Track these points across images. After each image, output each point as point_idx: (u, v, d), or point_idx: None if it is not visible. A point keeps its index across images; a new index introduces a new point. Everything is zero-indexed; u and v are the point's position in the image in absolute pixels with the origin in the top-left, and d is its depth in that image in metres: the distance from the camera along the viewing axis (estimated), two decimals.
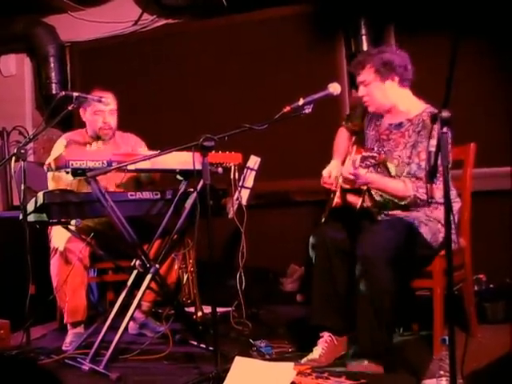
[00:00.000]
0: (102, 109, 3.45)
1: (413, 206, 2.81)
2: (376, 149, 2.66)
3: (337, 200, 2.95)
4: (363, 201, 2.87)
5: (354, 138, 3.12)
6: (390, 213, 2.88)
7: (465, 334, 2.85)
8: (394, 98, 2.88)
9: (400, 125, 2.88)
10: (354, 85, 4.48)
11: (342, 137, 3.20)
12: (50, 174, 3.35)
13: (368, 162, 2.60)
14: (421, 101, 2.91)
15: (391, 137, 2.90)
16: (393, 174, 2.85)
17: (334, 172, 3.01)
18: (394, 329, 2.74)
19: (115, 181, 3.45)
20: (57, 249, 3.31)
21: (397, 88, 2.87)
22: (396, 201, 2.81)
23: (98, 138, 3.53)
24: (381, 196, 2.89)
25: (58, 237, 3.34)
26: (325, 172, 3.02)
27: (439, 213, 2.76)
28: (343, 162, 3.07)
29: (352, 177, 2.69)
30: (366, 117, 3.07)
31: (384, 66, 2.82)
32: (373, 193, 2.90)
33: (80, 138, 3.56)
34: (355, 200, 2.87)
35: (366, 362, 2.61)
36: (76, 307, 3.29)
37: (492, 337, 3.04)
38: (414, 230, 2.75)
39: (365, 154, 2.63)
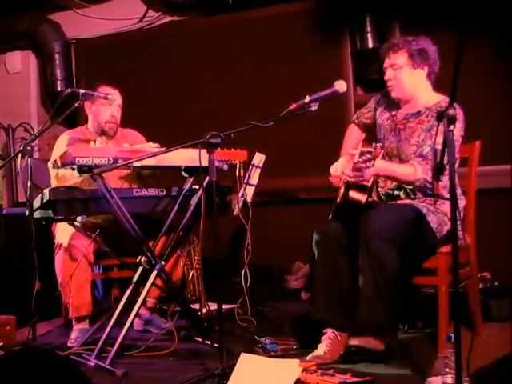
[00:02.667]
0: (111, 102, 3.46)
1: (421, 191, 2.82)
2: (374, 144, 2.66)
3: (341, 196, 2.95)
4: (369, 197, 2.87)
5: (364, 135, 3.13)
6: (397, 202, 2.89)
7: (470, 331, 2.85)
8: (419, 88, 2.89)
9: (418, 113, 2.89)
10: (359, 82, 4.50)
11: (352, 134, 3.20)
12: (53, 173, 3.35)
13: (365, 157, 2.60)
14: (439, 94, 2.92)
15: (408, 125, 2.90)
16: (403, 157, 2.87)
17: (340, 168, 3.01)
18: (397, 307, 2.71)
19: (118, 174, 3.45)
20: (61, 245, 3.32)
21: (423, 79, 2.89)
22: (404, 185, 2.83)
23: (102, 132, 3.53)
24: (386, 194, 2.89)
25: (62, 233, 3.35)
26: (332, 167, 3.02)
27: (445, 207, 2.78)
28: None
29: (353, 177, 2.71)
30: (380, 108, 3.07)
31: (419, 53, 2.83)
32: (379, 190, 2.90)
33: (81, 135, 3.57)
34: (360, 197, 2.87)
35: (367, 337, 2.62)
36: (81, 303, 3.31)
37: (497, 335, 3.03)
38: (421, 217, 2.77)
39: (363, 149, 2.63)
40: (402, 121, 2.94)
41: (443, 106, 2.76)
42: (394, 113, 2.99)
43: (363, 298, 2.68)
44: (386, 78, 2.92)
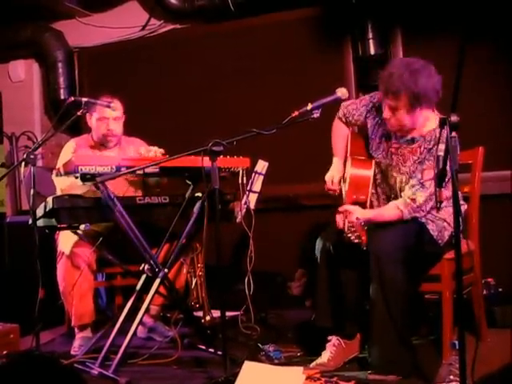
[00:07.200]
0: (106, 116, 3.47)
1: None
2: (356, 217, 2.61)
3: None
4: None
5: (351, 129, 3.10)
6: None
7: (474, 338, 2.84)
8: (417, 121, 2.78)
9: (412, 140, 2.82)
10: (361, 88, 4.50)
11: (340, 130, 3.14)
12: (58, 184, 3.36)
13: (354, 229, 2.58)
14: (435, 113, 2.82)
15: (401, 151, 2.85)
16: (397, 186, 2.86)
17: (336, 177, 3.01)
18: (413, 331, 2.70)
19: (124, 185, 3.46)
20: (63, 253, 3.32)
21: (423, 112, 2.76)
22: None
23: (102, 144, 3.55)
24: None
25: (65, 241, 3.35)
26: (327, 177, 3.03)
27: (443, 213, 2.78)
28: (345, 162, 3.05)
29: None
30: (370, 117, 2.99)
31: (418, 97, 2.68)
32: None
33: (86, 143, 3.59)
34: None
35: (389, 376, 2.58)
36: (83, 311, 3.31)
37: (501, 341, 3.00)
38: (421, 227, 2.76)
39: (349, 224, 2.58)
40: (394, 144, 2.88)
41: (436, 136, 2.67)
42: (387, 128, 2.89)
43: (379, 334, 2.63)
44: (384, 116, 2.81)
